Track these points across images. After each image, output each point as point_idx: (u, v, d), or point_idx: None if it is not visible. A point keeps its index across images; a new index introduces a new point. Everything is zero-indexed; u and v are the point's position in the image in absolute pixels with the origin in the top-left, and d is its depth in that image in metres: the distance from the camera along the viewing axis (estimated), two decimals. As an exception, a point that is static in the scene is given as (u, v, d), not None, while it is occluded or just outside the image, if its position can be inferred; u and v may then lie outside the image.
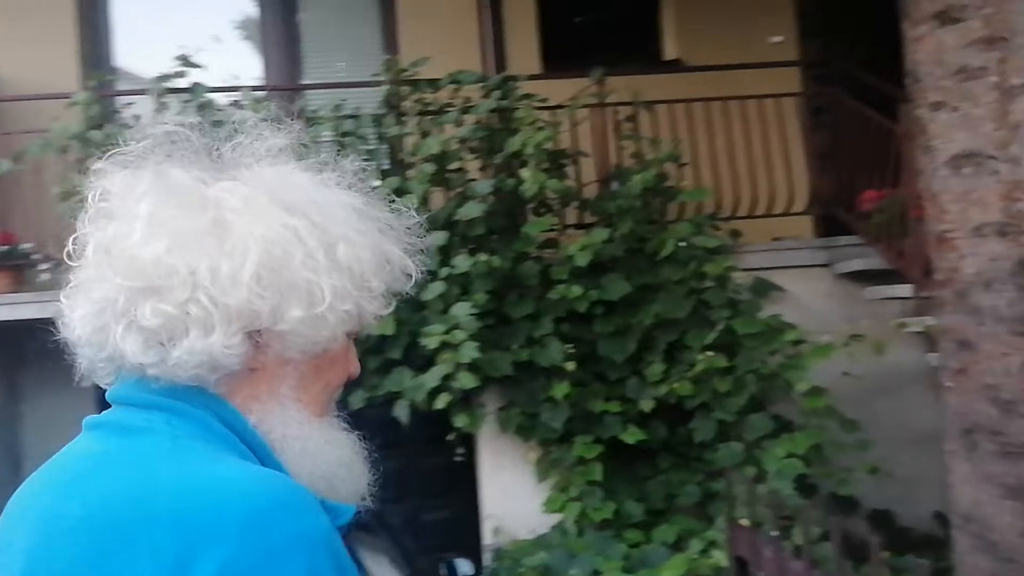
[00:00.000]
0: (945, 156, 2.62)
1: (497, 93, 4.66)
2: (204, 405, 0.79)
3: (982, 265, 2.59)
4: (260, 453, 0.80)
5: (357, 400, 4.42)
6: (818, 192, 5.15)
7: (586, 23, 6.52)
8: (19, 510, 0.80)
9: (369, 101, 4.96)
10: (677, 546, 3.90)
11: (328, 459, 0.84)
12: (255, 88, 4.97)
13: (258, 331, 0.79)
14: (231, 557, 0.69)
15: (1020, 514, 2.60)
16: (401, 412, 4.27)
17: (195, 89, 4.61)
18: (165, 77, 4.62)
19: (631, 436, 4.12)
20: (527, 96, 4.66)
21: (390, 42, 5.94)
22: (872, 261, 4.64)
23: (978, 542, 2.68)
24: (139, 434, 0.77)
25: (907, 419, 4.46)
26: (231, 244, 0.78)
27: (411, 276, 0.88)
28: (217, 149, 0.85)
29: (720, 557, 3.29)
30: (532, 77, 4.98)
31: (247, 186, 0.82)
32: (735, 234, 4.73)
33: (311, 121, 4.74)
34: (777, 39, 6.07)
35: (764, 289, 4.54)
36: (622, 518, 4.10)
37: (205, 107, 4.61)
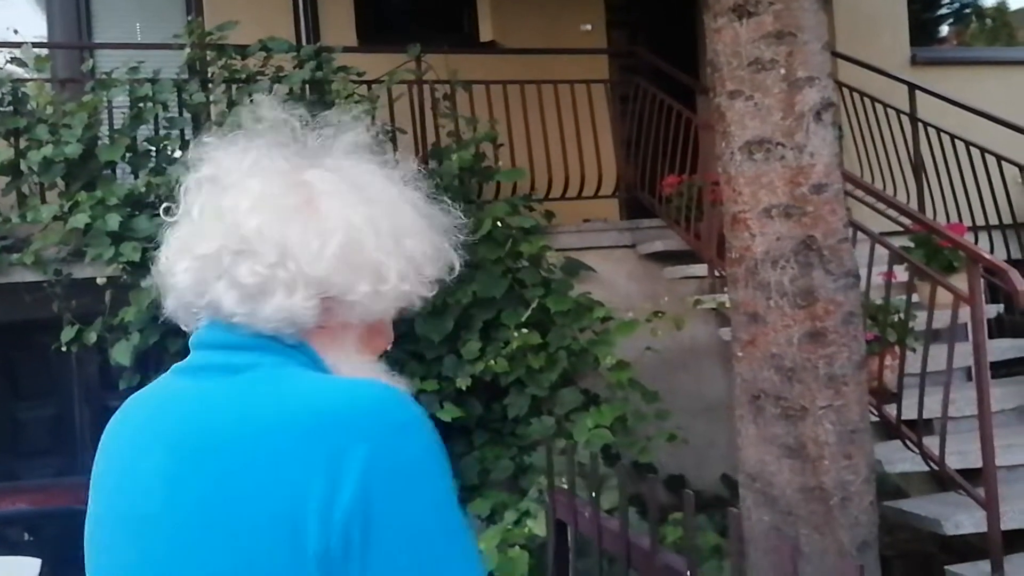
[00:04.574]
0: (740, 142, 2.82)
1: (311, 64, 4.51)
2: (290, 349, 0.92)
3: (770, 244, 2.82)
4: None
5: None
6: (624, 176, 5.40)
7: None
8: (132, 445, 0.92)
9: (170, 65, 4.65)
10: (491, 519, 3.98)
11: None
12: (37, 45, 4.52)
13: (330, 297, 0.92)
14: (376, 443, 0.81)
15: (798, 471, 2.87)
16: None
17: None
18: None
19: (447, 414, 4.15)
20: (343, 69, 4.55)
21: (192, 2, 5.59)
22: (671, 242, 4.93)
23: (761, 498, 2.93)
24: (248, 369, 0.90)
25: (700, 390, 4.79)
26: (321, 224, 0.92)
27: (454, 268, 1.02)
28: (304, 137, 0.98)
29: (533, 525, 3.39)
30: (348, 49, 4.87)
31: (334, 175, 0.96)
32: (548, 215, 4.87)
33: (103, 84, 4.39)
34: (586, 28, 6.30)
35: (575, 269, 4.71)
36: (438, 494, 4.13)
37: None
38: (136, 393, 1.01)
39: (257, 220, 0.91)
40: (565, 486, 2.00)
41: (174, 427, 0.89)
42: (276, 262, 0.90)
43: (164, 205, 1.00)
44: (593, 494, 1.72)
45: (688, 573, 1.28)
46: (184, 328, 0.98)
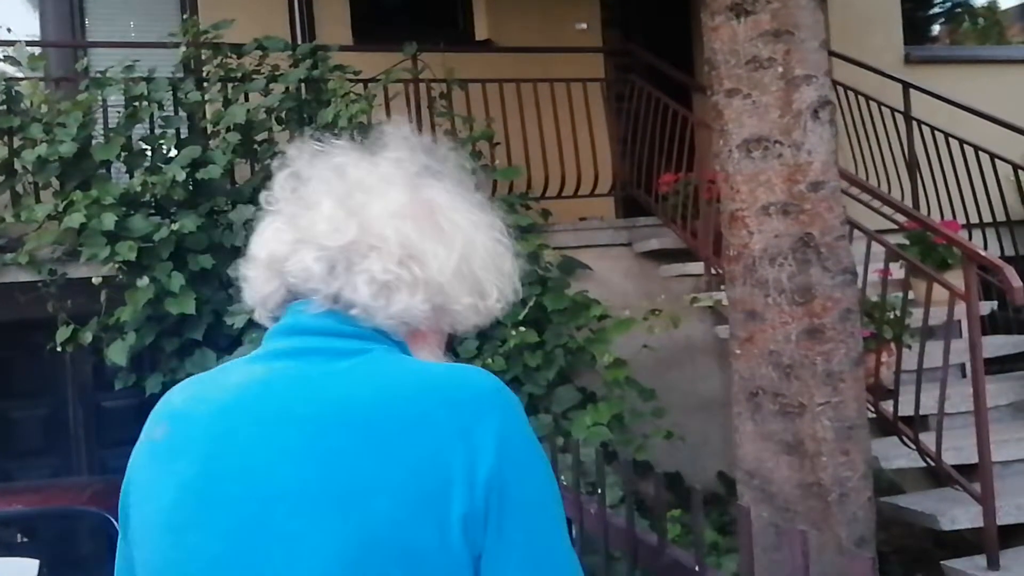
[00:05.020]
0: (737, 140, 2.83)
1: (307, 63, 4.50)
2: (393, 344, 0.99)
3: (768, 241, 2.83)
4: None
5: (153, 384, 4.15)
6: (620, 174, 5.41)
7: (397, -1, 6.44)
8: (229, 426, 0.93)
9: (164, 64, 4.64)
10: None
11: None
12: (31, 43, 4.50)
13: (438, 304, 1.00)
14: (502, 417, 0.90)
15: (796, 467, 2.88)
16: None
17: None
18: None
19: (444, 411, 4.14)
20: (339, 67, 4.54)
21: (186, 1, 5.58)
22: (667, 241, 4.94)
23: (760, 494, 2.93)
24: (360, 353, 0.95)
25: (695, 387, 4.80)
26: (444, 236, 1.01)
27: (519, 294, 1.08)
28: (420, 156, 1.05)
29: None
30: (343, 48, 4.86)
31: (448, 194, 1.04)
32: (545, 213, 4.87)
33: (98, 82, 4.37)
34: (581, 26, 6.30)
35: (571, 267, 4.71)
36: (435, 493, 4.13)
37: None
38: (200, 377, 1.03)
39: (395, 224, 0.98)
40: (564, 483, 2.01)
41: (298, 404, 0.92)
42: (405, 264, 0.97)
43: (263, 194, 1.04)
44: (599, 491, 1.72)
45: (697, 568, 1.29)
46: (263, 312, 1.03)
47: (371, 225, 0.97)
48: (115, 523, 1.10)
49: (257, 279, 1.02)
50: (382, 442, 0.87)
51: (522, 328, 4.23)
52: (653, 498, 3.61)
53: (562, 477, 2.20)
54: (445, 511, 0.85)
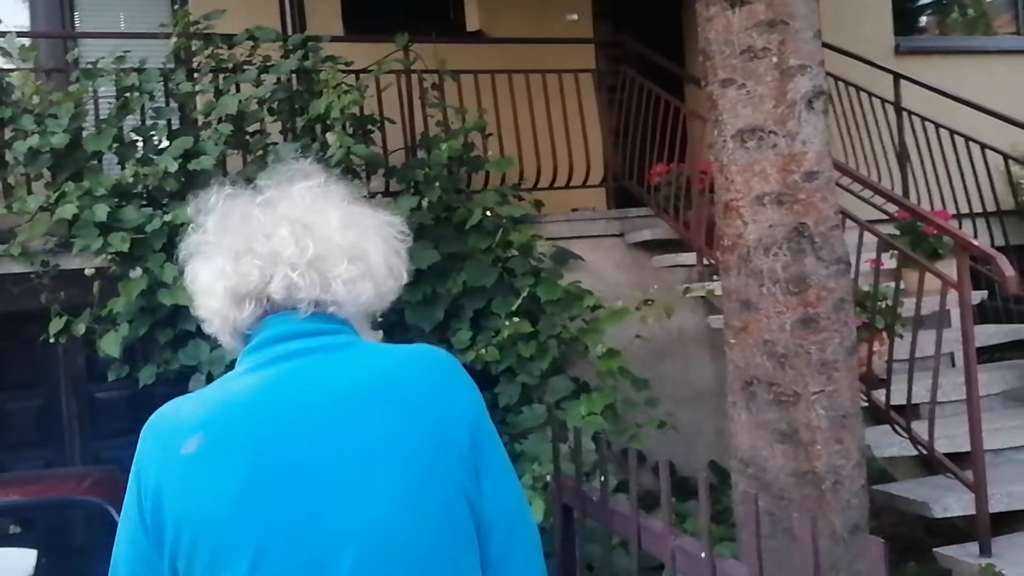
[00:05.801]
0: (732, 130, 2.84)
1: (299, 53, 4.48)
2: (355, 332, 1.27)
3: (762, 231, 2.84)
4: None
5: (147, 375, 4.14)
6: (612, 165, 5.42)
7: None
8: (268, 421, 1.15)
9: (155, 55, 4.61)
10: (484, 507, 3.98)
11: None
12: (22, 34, 4.47)
13: (378, 290, 1.27)
14: (466, 378, 1.25)
15: (791, 456, 2.90)
16: (196, 387, 4.04)
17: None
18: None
19: (438, 402, 4.14)
20: (331, 58, 4.53)
21: (177, -8, 5.54)
22: (660, 231, 4.95)
23: (754, 483, 2.95)
24: (352, 344, 1.24)
25: (687, 377, 4.82)
26: (371, 236, 1.27)
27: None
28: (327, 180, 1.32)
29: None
30: (335, 39, 4.84)
31: (358, 205, 1.30)
32: (537, 204, 4.88)
33: (89, 73, 4.34)
34: (572, 17, 6.29)
35: (564, 258, 4.72)
36: (430, 483, 4.13)
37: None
38: (200, 394, 1.22)
39: (342, 234, 1.23)
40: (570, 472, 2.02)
41: (321, 391, 1.17)
42: (356, 262, 1.23)
43: (186, 238, 1.29)
44: (601, 478, 1.73)
45: (704, 555, 1.30)
46: (234, 333, 1.24)
47: (325, 238, 1.22)
48: (113, 513, 1.13)
49: (223, 308, 1.23)
50: (414, 401, 1.18)
51: (516, 319, 4.24)
52: (648, 487, 3.62)
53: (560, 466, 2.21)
54: (461, 444, 1.19)
